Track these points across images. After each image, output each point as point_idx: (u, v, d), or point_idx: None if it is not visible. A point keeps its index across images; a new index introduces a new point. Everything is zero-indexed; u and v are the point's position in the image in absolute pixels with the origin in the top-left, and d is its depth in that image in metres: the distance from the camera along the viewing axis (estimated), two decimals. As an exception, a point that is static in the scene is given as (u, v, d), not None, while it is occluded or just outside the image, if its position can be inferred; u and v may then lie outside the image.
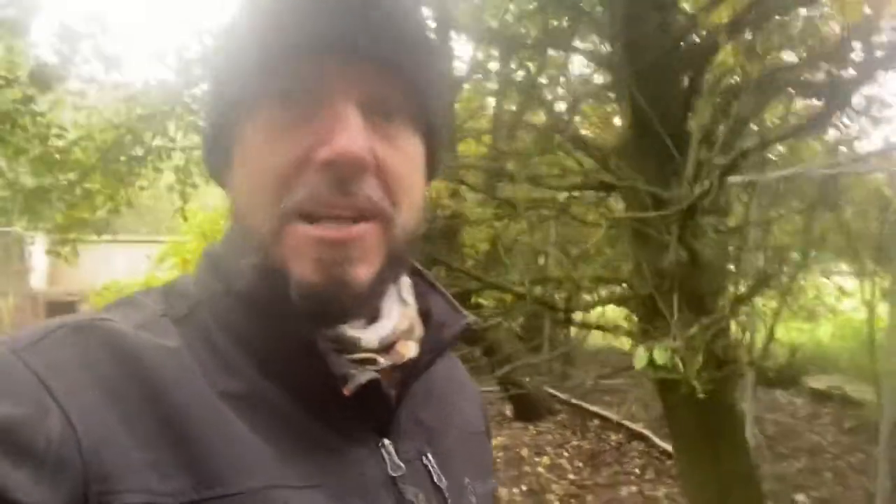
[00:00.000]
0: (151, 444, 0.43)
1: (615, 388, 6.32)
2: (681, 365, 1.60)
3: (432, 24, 3.50)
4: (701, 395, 1.63)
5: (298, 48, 0.47)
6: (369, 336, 0.53)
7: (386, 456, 0.52)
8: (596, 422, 5.74)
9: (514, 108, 5.05)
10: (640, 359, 1.60)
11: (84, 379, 0.44)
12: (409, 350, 0.56)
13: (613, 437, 5.38)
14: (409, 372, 0.55)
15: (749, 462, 2.48)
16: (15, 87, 4.23)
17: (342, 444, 0.51)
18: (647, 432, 5.19)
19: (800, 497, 3.98)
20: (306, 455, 0.48)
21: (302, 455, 0.48)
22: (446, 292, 0.63)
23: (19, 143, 4.45)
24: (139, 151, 4.44)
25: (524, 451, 5.02)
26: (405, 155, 0.51)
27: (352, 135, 0.46)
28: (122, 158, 4.41)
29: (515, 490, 4.27)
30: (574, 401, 6.14)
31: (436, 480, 0.55)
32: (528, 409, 5.89)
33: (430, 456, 0.56)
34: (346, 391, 0.48)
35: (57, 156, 4.80)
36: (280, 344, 0.50)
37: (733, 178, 2.52)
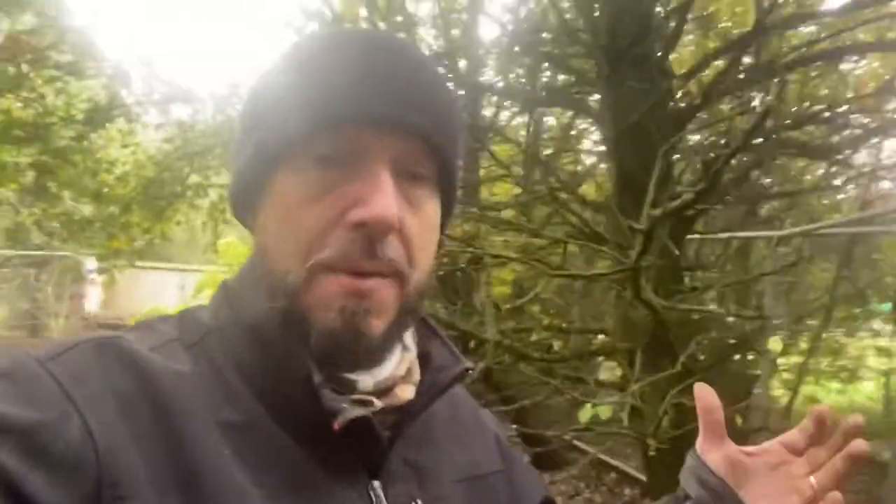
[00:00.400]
0: (154, 460, 0.45)
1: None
2: (625, 420, 1.62)
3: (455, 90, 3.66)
4: (651, 453, 1.64)
5: (344, 117, 0.50)
6: (366, 379, 0.55)
7: (374, 498, 0.53)
8: (613, 475, 5.59)
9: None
10: (584, 412, 1.63)
11: (103, 391, 0.47)
12: (406, 393, 0.57)
13: (628, 491, 5.24)
14: (405, 414, 0.57)
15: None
16: (69, 126, 4.59)
17: (332, 483, 0.52)
18: (662, 489, 5.05)
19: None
20: (294, 492, 0.50)
21: (290, 492, 0.49)
22: (446, 338, 0.65)
23: (71, 177, 4.82)
24: (177, 188, 4.74)
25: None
26: (426, 218, 0.55)
27: (387, 200, 0.50)
28: (162, 193, 4.71)
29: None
30: (591, 451, 5.99)
31: None
32: (543, 458, 5.81)
33: (419, 502, 0.56)
34: (336, 425, 0.49)
35: (105, 189, 5.16)
36: (280, 377, 0.52)
37: (721, 235, 2.53)
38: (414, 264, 0.54)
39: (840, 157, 2.69)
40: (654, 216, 1.56)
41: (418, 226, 0.54)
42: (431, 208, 0.56)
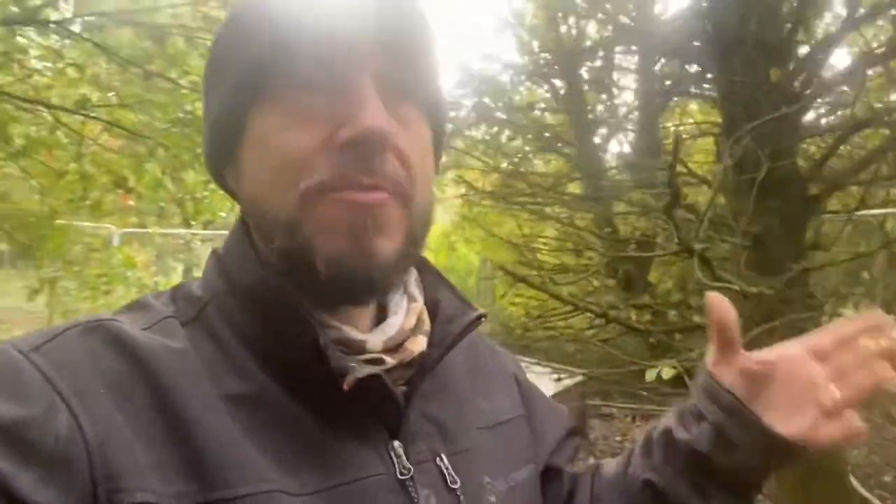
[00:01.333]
0: (156, 445, 0.43)
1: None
2: (687, 380, 1.83)
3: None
4: None
5: (318, 37, 0.48)
6: (374, 338, 0.53)
7: (395, 458, 0.51)
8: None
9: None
10: (649, 374, 1.87)
11: (92, 379, 0.44)
12: (418, 345, 0.55)
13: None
14: (420, 368, 0.55)
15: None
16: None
17: (349, 446, 0.50)
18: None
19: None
20: (311, 459, 0.48)
21: (306, 459, 0.48)
22: (453, 285, 0.63)
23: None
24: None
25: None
26: (418, 138, 0.53)
27: (374, 112, 0.47)
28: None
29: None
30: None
31: (449, 483, 0.54)
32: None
33: (444, 456, 0.55)
34: (346, 385, 0.47)
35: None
36: (284, 343, 0.50)
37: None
38: (414, 180, 0.51)
39: None
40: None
41: (412, 143, 0.51)
42: (422, 129, 0.54)
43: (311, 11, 0.49)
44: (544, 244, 5.09)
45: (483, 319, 0.60)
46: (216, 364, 0.49)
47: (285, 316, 0.50)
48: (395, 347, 0.54)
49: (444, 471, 0.54)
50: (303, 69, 0.49)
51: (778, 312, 2.32)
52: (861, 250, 2.68)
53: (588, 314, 3.35)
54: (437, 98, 0.57)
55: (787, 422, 0.55)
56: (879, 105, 2.50)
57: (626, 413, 5.62)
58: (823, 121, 3.17)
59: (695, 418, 0.60)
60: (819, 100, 2.42)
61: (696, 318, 2.17)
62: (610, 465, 0.69)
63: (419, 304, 0.59)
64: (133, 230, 8.10)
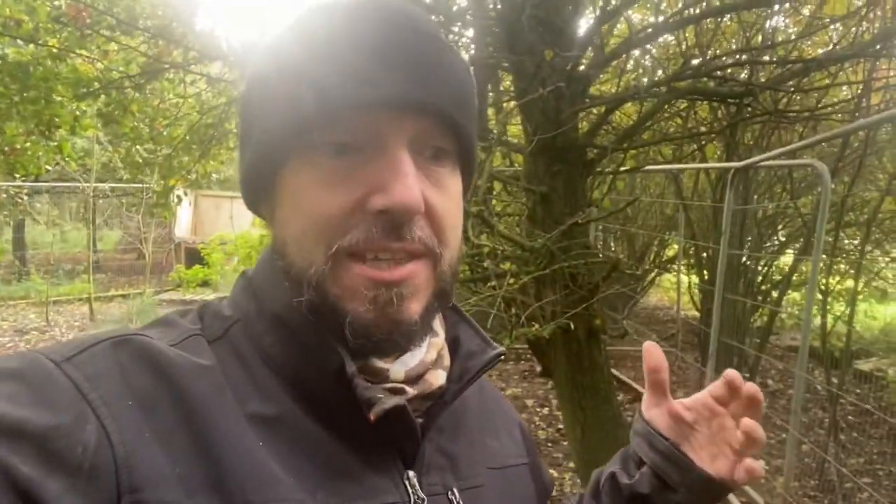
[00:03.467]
0: (180, 458, 0.44)
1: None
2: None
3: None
4: (504, 346, 2.26)
5: (359, 102, 0.47)
6: (397, 368, 0.54)
7: (409, 488, 0.52)
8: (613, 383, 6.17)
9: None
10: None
11: (121, 391, 0.45)
12: (438, 379, 0.56)
13: (621, 396, 5.83)
14: (437, 402, 0.56)
15: (612, 412, 3.02)
16: (128, 80, 5.36)
17: (367, 473, 0.51)
18: (649, 395, 5.61)
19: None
20: (330, 481, 0.49)
21: (326, 481, 0.49)
22: (475, 323, 0.63)
23: (131, 125, 5.70)
24: (216, 132, 5.46)
25: (529, 402, 5.66)
26: (451, 195, 0.53)
27: (408, 184, 0.47)
28: (206, 137, 5.46)
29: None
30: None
31: None
32: (551, 366, 6.46)
33: (455, 490, 0.56)
34: (372, 416, 0.48)
35: (164, 132, 6.00)
36: (310, 368, 0.51)
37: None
38: (444, 243, 0.52)
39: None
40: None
41: (444, 203, 0.52)
42: (455, 185, 0.55)
43: (355, 67, 0.47)
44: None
45: (502, 357, 0.61)
46: (241, 384, 0.50)
47: (313, 343, 0.51)
48: (415, 378, 0.55)
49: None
50: (340, 131, 0.49)
51: (557, 260, 2.73)
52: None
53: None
54: (472, 148, 0.56)
55: (713, 463, 0.62)
56: (644, 81, 2.94)
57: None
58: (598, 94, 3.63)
59: (635, 463, 0.67)
60: (592, 74, 2.77)
61: (487, 265, 2.51)
62: None
63: (440, 339, 0.60)
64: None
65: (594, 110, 3.02)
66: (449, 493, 0.55)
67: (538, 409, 5.54)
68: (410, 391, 0.54)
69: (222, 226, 10.92)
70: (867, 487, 3.59)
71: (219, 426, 0.46)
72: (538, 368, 6.58)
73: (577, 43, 2.80)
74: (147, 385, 0.46)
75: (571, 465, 4.25)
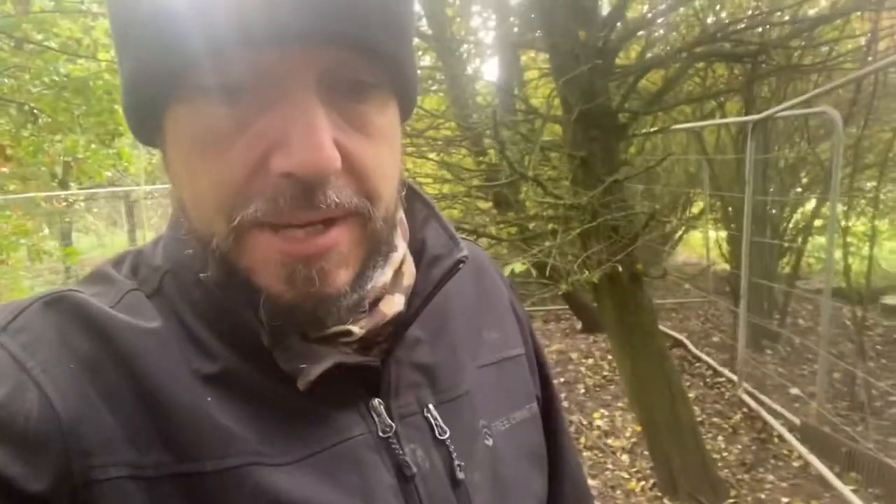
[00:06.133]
0: (131, 419, 0.43)
1: (682, 306, 7.15)
2: (534, 272, 2.59)
3: None
4: (561, 291, 2.63)
5: (248, 37, 0.37)
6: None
7: (375, 416, 0.50)
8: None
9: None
10: (506, 269, 2.62)
11: (60, 355, 0.43)
12: (393, 306, 0.52)
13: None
14: (399, 325, 0.52)
15: (657, 345, 3.43)
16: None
17: (328, 412, 0.48)
18: (686, 341, 5.99)
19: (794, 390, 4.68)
20: (290, 429, 0.47)
21: (285, 430, 0.46)
22: (444, 219, 0.57)
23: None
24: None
25: (574, 355, 6.07)
26: (380, 137, 0.45)
27: (315, 140, 0.39)
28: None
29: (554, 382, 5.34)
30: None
31: (438, 434, 0.52)
32: (590, 322, 6.86)
33: (431, 407, 0.53)
34: (300, 387, 0.45)
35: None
36: (235, 329, 0.48)
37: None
38: (374, 198, 0.45)
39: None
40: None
41: (370, 150, 0.44)
42: (385, 123, 0.46)
43: (260, 6, 0.37)
44: (426, 177, 5.78)
45: (463, 263, 0.54)
46: (183, 343, 0.47)
47: (231, 312, 0.47)
48: (366, 309, 0.50)
49: (433, 422, 0.52)
50: (231, 70, 0.40)
51: (600, 214, 3.12)
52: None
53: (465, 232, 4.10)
54: (406, 72, 0.46)
55: None
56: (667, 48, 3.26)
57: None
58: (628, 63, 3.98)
59: None
60: (619, 47, 3.14)
61: (533, 227, 2.91)
62: None
63: (399, 252, 0.54)
64: (10, 196, 7.92)
65: (623, 79, 3.38)
66: (424, 410, 0.53)
67: (583, 361, 5.95)
68: (357, 331, 0.49)
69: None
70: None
71: (165, 385, 0.45)
72: (578, 325, 6.99)
73: (604, 21, 3.16)
74: (87, 346, 0.44)
75: (620, 404, 4.67)
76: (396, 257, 0.53)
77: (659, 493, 3.49)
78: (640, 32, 3.47)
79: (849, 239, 4.98)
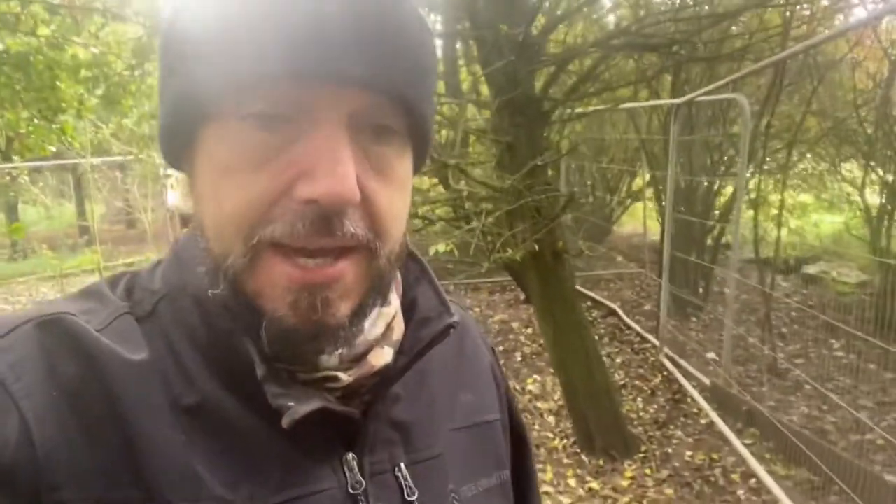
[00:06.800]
0: (106, 451, 0.43)
1: (618, 277, 7.58)
2: (456, 253, 2.86)
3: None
4: (484, 269, 2.91)
5: (286, 71, 0.41)
6: (326, 356, 0.49)
7: (347, 472, 0.50)
8: (589, 303, 6.94)
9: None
10: (430, 249, 2.88)
11: (45, 380, 0.43)
12: (382, 358, 0.52)
13: (595, 314, 6.59)
14: (384, 379, 0.52)
15: (577, 316, 3.74)
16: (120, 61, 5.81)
17: (302, 460, 0.48)
18: (619, 310, 6.38)
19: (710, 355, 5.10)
20: (261, 472, 0.47)
21: (257, 472, 0.46)
22: (436, 281, 0.59)
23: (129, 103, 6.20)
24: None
25: (515, 324, 6.41)
26: (395, 181, 0.48)
27: (341, 171, 0.42)
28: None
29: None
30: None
31: (406, 495, 0.52)
32: (533, 294, 7.22)
33: (402, 466, 0.53)
34: (284, 425, 0.45)
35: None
36: (229, 357, 0.48)
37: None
38: (383, 235, 0.47)
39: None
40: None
41: (385, 192, 0.46)
42: (402, 167, 0.49)
43: (285, 30, 0.40)
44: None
45: (454, 329, 0.56)
46: (168, 373, 0.47)
47: (229, 339, 0.48)
48: (357, 359, 0.51)
49: (402, 482, 0.52)
50: (267, 100, 0.42)
51: (524, 196, 3.38)
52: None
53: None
54: (425, 125, 0.49)
55: None
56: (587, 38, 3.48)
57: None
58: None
59: None
60: (542, 40, 3.36)
61: (468, 207, 3.14)
62: None
63: (392, 307, 0.55)
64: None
65: (546, 69, 3.61)
66: (395, 469, 0.53)
67: (523, 330, 6.28)
68: (345, 378, 0.50)
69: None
70: (794, 367, 4.38)
71: (143, 419, 0.45)
72: (522, 297, 7.31)
73: (526, 13, 3.37)
74: (72, 373, 0.45)
75: (552, 370, 5.01)
76: (389, 311, 0.55)
77: (577, 450, 3.85)
78: (560, 26, 3.70)
79: (773, 211, 5.39)
